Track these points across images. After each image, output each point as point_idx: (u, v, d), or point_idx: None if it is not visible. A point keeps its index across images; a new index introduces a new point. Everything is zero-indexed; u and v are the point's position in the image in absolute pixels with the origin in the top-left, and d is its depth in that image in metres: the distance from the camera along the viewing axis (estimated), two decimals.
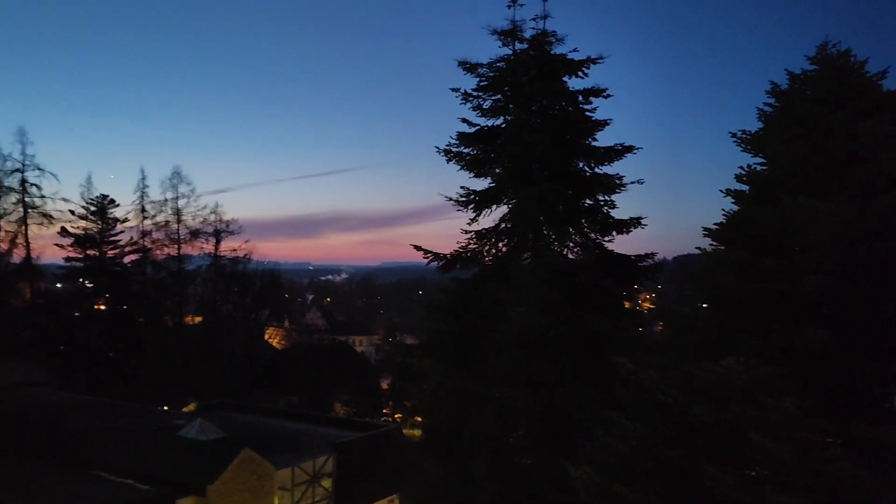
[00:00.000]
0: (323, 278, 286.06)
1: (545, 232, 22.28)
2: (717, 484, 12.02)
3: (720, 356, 12.52)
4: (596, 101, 22.78)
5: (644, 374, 13.91)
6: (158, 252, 59.75)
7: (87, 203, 57.58)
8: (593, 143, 22.64)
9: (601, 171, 22.48)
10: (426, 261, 23.57)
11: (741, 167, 15.03)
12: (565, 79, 22.88)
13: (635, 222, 22.04)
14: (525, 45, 22.98)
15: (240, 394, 54.01)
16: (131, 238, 59.20)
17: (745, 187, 15.04)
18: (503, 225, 22.96)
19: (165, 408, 46.18)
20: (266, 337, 79.10)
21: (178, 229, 59.74)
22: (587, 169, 22.64)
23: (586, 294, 20.46)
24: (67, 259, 57.02)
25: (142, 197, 59.81)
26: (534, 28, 22.92)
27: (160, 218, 59.85)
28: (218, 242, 61.21)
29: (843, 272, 12.75)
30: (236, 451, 24.46)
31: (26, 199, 55.69)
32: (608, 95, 22.74)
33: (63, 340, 54.58)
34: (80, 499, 22.50)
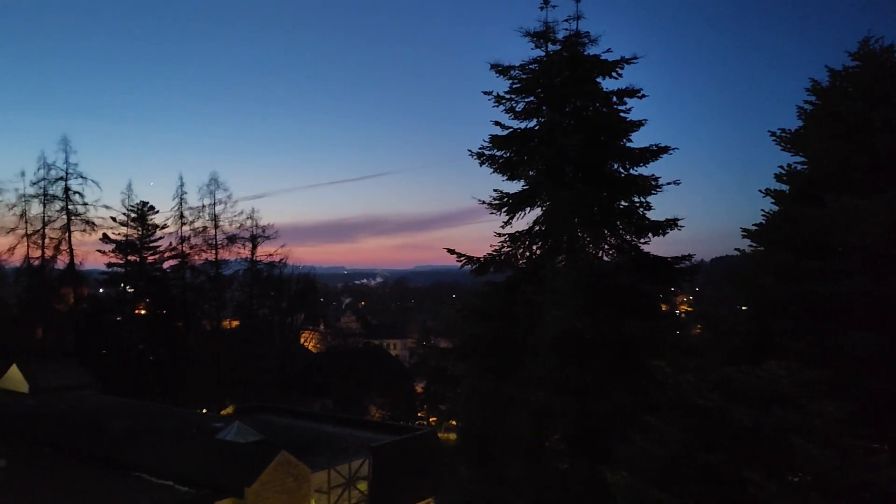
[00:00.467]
0: (357, 282, 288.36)
1: (580, 234, 22.08)
2: (760, 490, 11.78)
3: (761, 360, 12.27)
4: (630, 102, 22.54)
5: (682, 378, 13.70)
6: (196, 257, 60.98)
7: (127, 210, 59.08)
8: (628, 144, 22.39)
9: (636, 173, 22.20)
10: (459, 264, 23.52)
11: (781, 166, 14.72)
12: (599, 80, 22.67)
13: (672, 224, 21.73)
14: (558, 47, 22.84)
15: (276, 397, 54.75)
16: (170, 244, 60.58)
17: (785, 187, 14.72)
18: (537, 227, 22.83)
19: (204, 410, 47.04)
20: (301, 340, 80.00)
21: (215, 235, 60.87)
22: (622, 170, 22.39)
23: (622, 297, 20.23)
24: (109, 265, 58.52)
25: (180, 203, 61.07)
26: (566, 29, 22.75)
27: (198, 224, 61.07)
28: (254, 247, 62.21)
29: (889, 273, 12.41)
30: (273, 453, 24.77)
31: (69, 207, 57.37)
32: (643, 96, 22.50)
33: (105, 344, 55.91)
34: (123, 500, 22.98)
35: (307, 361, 73.22)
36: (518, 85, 22.98)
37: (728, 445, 12.88)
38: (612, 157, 22.30)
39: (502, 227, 23.17)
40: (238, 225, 61.74)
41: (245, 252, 62.11)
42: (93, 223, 58.18)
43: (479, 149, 23.14)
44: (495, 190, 23.06)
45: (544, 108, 23.07)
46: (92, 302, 60.40)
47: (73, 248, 57.66)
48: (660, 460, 13.57)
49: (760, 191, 14.73)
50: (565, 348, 19.46)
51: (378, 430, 36.00)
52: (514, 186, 23.34)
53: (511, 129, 23.19)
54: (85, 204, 58.02)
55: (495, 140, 23.05)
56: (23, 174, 57.69)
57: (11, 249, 56.19)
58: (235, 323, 67.54)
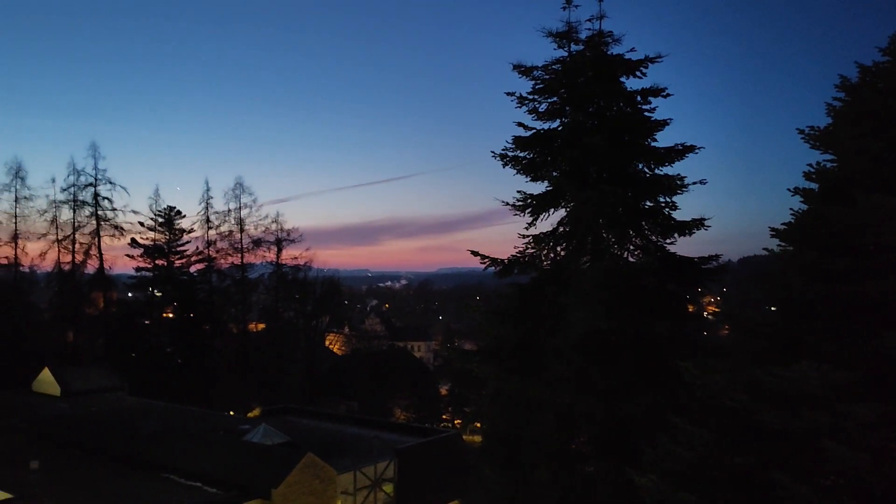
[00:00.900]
0: (381, 285, 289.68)
1: (605, 235, 21.95)
2: (789, 493, 11.61)
3: (790, 361, 12.10)
4: (655, 101, 22.36)
5: (710, 380, 13.55)
6: (223, 261, 61.67)
7: (155, 215, 59.89)
8: (653, 144, 22.21)
9: (662, 172, 22.01)
10: (483, 266, 23.48)
11: (810, 164, 14.49)
12: (623, 79, 22.53)
13: (698, 224, 21.50)
14: (581, 47, 22.74)
15: (302, 399, 55.17)
16: (197, 248, 61.32)
17: (814, 185, 14.48)
18: (561, 229, 22.73)
19: (231, 413, 47.49)
20: (326, 343, 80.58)
21: (241, 239, 61.53)
22: (647, 170, 22.22)
23: (648, 298, 20.08)
24: (137, 269, 59.36)
25: (206, 208, 61.80)
26: (589, 29, 22.64)
27: (224, 228, 61.75)
28: (279, 251, 62.69)
29: None
30: (300, 455, 24.96)
31: (99, 212, 58.36)
32: (668, 95, 22.32)
33: (134, 347, 56.77)
34: (153, 501, 23.30)
35: (332, 364, 73.66)
36: (541, 85, 22.92)
37: (757, 447, 12.72)
38: (636, 157, 22.14)
39: (526, 228, 23.11)
40: (263, 229, 62.38)
41: (270, 255, 62.70)
42: (121, 228, 59.14)
43: (503, 150, 23.11)
44: (519, 191, 23.01)
45: (567, 108, 22.98)
46: (121, 306, 61.33)
47: (103, 252, 58.67)
48: (688, 462, 13.43)
49: (789, 189, 14.52)
50: (591, 350, 19.36)
51: (403, 432, 36.10)
52: (538, 188, 23.30)
53: (534, 130, 23.13)
54: (114, 209, 59.03)
55: (518, 141, 23.00)
56: (53, 180, 59.04)
57: (43, 255, 57.30)
58: (261, 326, 68.15)
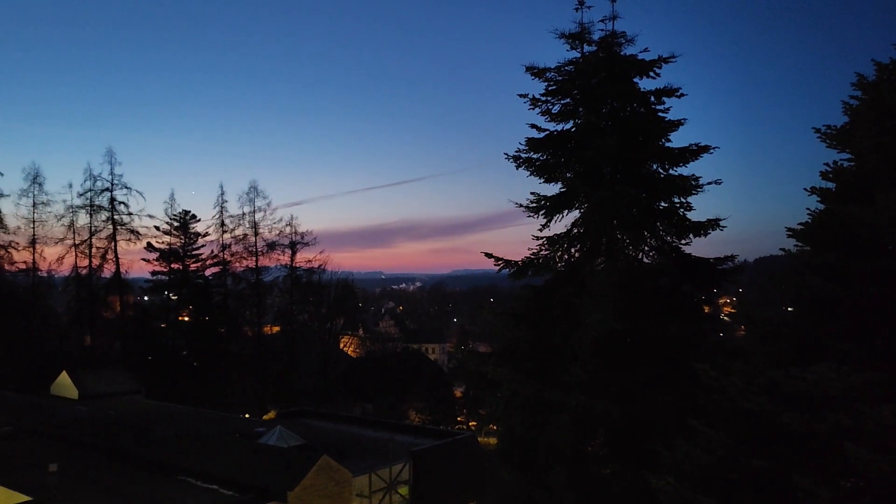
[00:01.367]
0: (395, 287, 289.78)
1: (619, 236, 21.89)
2: (810, 497, 11.46)
3: (809, 362, 11.95)
4: (669, 101, 22.28)
5: (728, 382, 13.42)
6: (237, 264, 61.83)
7: (170, 219, 60.19)
8: (667, 144, 22.11)
9: (676, 173, 21.92)
10: (497, 268, 23.47)
11: (827, 164, 14.34)
12: (636, 80, 22.46)
13: (713, 224, 21.36)
14: (594, 48, 22.69)
15: (317, 401, 55.27)
16: (212, 251, 61.50)
17: (831, 185, 14.32)
18: (575, 230, 22.67)
19: (247, 415, 47.70)
20: (341, 345, 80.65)
21: (255, 242, 61.67)
22: (661, 171, 22.13)
23: (664, 299, 19.98)
24: (153, 273, 59.67)
25: (221, 211, 62.00)
26: (602, 30, 22.61)
27: (238, 231, 61.91)
28: (294, 254, 62.80)
29: None
30: (315, 457, 24.98)
31: (115, 217, 58.78)
32: (681, 94, 22.21)
33: (150, 350, 57.11)
34: (170, 503, 23.41)
35: (347, 366, 73.79)
36: (554, 87, 22.89)
37: (777, 450, 12.57)
38: (651, 158, 22.05)
39: (540, 230, 23.09)
40: (277, 232, 62.48)
41: (285, 259, 62.82)
42: (137, 232, 59.46)
43: (516, 152, 23.11)
44: (532, 193, 23.00)
45: (581, 109, 22.93)
46: (137, 309, 61.78)
47: (119, 256, 59.01)
48: (706, 465, 13.30)
49: (806, 189, 14.39)
50: (606, 351, 19.28)
51: (418, 435, 36.04)
52: (552, 189, 23.26)
53: (547, 132, 23.10)
54: (130, 214, 59.37)
55: (531, 143, 22.97)
56: (70, 186, 59.31)
57: (60, 259, 57.77)
58: (276, 329, 68.35)
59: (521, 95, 23.14)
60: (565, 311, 20.64)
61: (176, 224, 59.98)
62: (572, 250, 22.77)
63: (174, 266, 59.61)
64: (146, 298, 63.60)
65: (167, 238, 59.79)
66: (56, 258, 57.93)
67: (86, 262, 58.04)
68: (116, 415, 36.59)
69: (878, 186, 12.66)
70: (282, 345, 62.50)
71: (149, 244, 59.30)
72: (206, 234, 61.31)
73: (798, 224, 14.32)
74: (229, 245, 61.55)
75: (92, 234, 58.16)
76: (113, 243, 58.63)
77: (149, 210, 53.89)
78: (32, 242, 56.63)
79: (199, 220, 61.14)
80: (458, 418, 66.16)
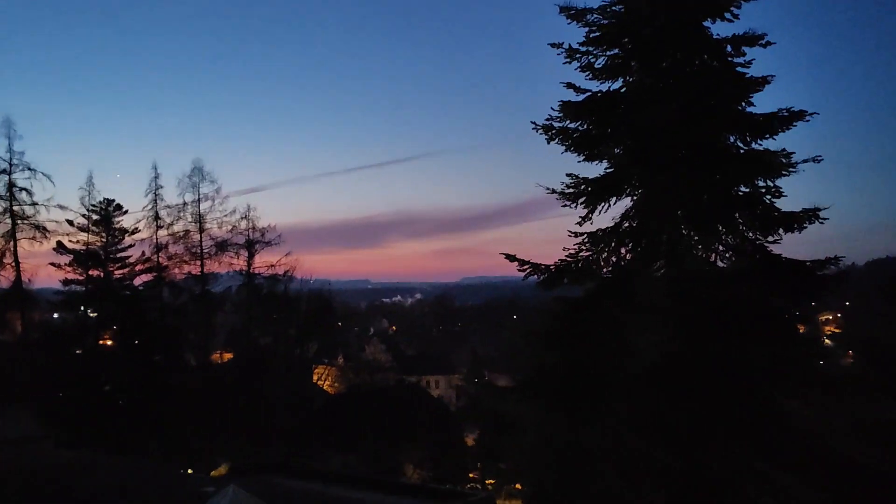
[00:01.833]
0: (386, 300, 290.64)
1: (684, 232, 21.99)
2: None
3: None
4: (751, 52, 22.33)
5: (825, 422, 13.57)
6: (177, 270, 62.12)
7: (88, 211, 60.32)
8: (748, 110, 22.20)
9: (761, 147, 22.00)
10: (522, 274, 23.54)
11: None
12: (707, 24, 22.57)
13: (811, 215, 21.39)
14: None
15: (283, 451, 55.40)
16: (143, 253, 61.77)
17: None
18: (626, 224, 22.78)
19: (191, 470, 47.87)
20: (315, 378, 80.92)
21: (200, 240, 61.90)
22: (741, 144, 22.21)
23: (743, 315, 20.05)
24: (66, 282, 59.76)
25: (155, 201, 62.34)
26: None
27: (178, 227, 62.17)
28: (251, 256, 63.09)
29: None
30: None
31: (14, 208, 58.56)
32: (768, 43, 22.24)
33: (63, 384, 57.17)
34: None
35: (323, 404, 73.94)
36: (597, 34, 23.00)
37: None
38: (726, 128, 22.16)
39: (579, 223, 23.18)
40: (230, 228, 62.67)
41: (240, 263, 63.06)
42: (44, 229, 59.22)
43: (547, 120, 23.20)
44: (569, 174, 23.09)
45: (633, 63, 23.06)
46: (45, 330, 61.92)
47: (20, 260, 58.84)
48: None
49: None
50: (665, 383, 19.38)
51: (417, 496, 36.15)
52: (595, 169, 23.37)
53: (589, 93, 23.20)
54: (34, 204, 59.10)
55: (567, 108, 23.07)
56: None
57: None
58: (229, 355, 68.62)
59: (553, 45, 23.23)
60: (611, 331, 20.73)
61: (95, 217, 60.18)
62: (621, 251, 22.89)
63: (93, 273, 59.80)
64: (56, 316, 63.82)
65: (84, 236, 60.01)
66: None
67: None
68: (16, 468, 36.80)
69: None
70: (237, 376, 62.69)
71: (59, 244, 59.44)
72: (136, 231, 61.57)
73: None
74: (166, 245, 61.89)
75: None
76: (11, 243, 58.57)
77: (60, 199, 54.10)
78: None
79: (127, 213, 61.39)
80: (471, 474, 66.24)
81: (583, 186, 23.00)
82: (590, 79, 23.34)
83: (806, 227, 21.50)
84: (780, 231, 21.63)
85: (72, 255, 59.50)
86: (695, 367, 19.55)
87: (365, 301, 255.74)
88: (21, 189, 58.75)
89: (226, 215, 63.16)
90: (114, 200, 60.78)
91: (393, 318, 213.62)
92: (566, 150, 23.27)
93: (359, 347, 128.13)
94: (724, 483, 18.37)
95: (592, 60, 23.19)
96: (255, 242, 62.99)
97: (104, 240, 60.21)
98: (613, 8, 22.90)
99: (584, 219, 23.16)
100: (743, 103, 22.17)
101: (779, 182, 21.68)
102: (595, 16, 22.91)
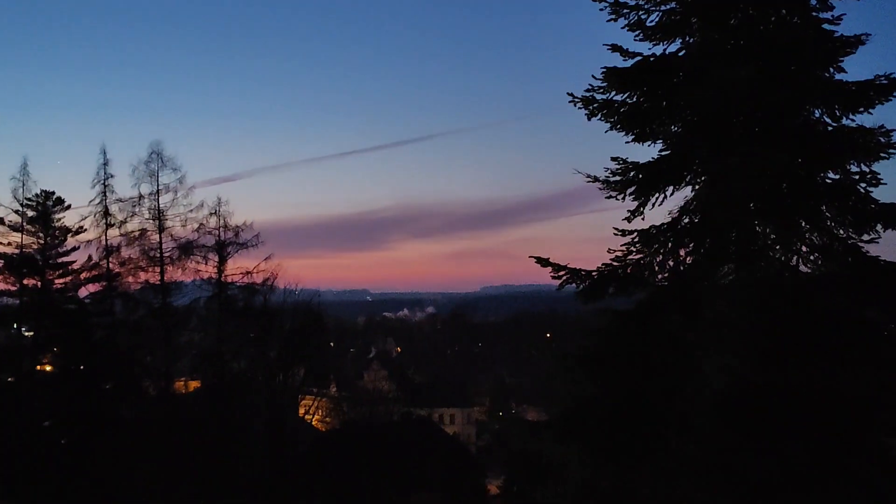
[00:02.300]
0: (389, 314, 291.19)
1: (758, 228, 21.95)
2: None
3: None
4: (841, 6, 22.26)
5: None
6: (132, 279, 62.09)
7: (22, 206, 60.51)
8: (838, 77, 22.13)
9: (853, 124, 21.91)
10: (557, 282, 23.55)
11: None
12: None
13: None
14: None
15: (263, 500, 55.53)
16: (90, 258, 61.83)
17: None
18: (686, 219, 22.77)
19: None
20: (301, 412, 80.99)
21: (160, 242, 61.87)
22: (828, 120, 22.14)
23: (833, 331, 19.99)
24: None
25: (104, 194, 62.35)
26: None
27: (133, 225, 62.11)
28: (222, 261, 62.98)
29: None
30: None
31: None
32: None
33: None
34: None
35: (312, 444, 74.10)
36: None
37: None
38: (810, 99, 22.09)
39: (627, 219, 23.19)
40: (196, 226, 62.58)
41: (208, 269, 63.03)
42: None
43: (587, 91, 23.16)
44: (614, 158, 23.08)
45: (693, 20, 23.03)
46: None
47: None
48: None
49: None
50: (737, 417, 19.34)
51: None
52: (647, 152, 23.35)
53: (638, 58, 23.16)
54: None
55: (613, 75, 23.04)
56: None
57: None
58: (195, 384, 68.69)
59: None
60: (669, 352, 20.73)
61: (31, 214, 60.45)
62: (680, 252, 22.87)
63: (28, 282, 60.08)
64: None
65: (17, 237, 60.25)
66: None
67: None
68: None
69: None
70: (205, 409, 62.78)
71: None
72: (81, 231, 61.67)
73: None
74: (118, 247, 61.91)
75: None
76: None
77: None
78: None
79: (70, 208, 61.54)
80: None
81: (632, 173, 22.98)
82: (640, 39, 23.34)
83: None
84: (878, 227, 21.53)
85: (1, 261, 59.85)
86: (774, 398, 19.47)
87: (363, 316, 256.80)
88: None
89: (191, 211, 63.04)
90: (53, 193, 60.95)
91: (398, 336, 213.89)
92: (611, 129, 23.27)
93: (356, 373, 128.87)
94: None
95: (643, 17, 23.20)
96: (227, 244, 62.92)
97: (42, 241, 60.42)
98: None
99: (634, 213, 23.19)
100: (831, 69, 22.10)
101: (875, 167, 21.60)
102: None
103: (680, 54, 23.19)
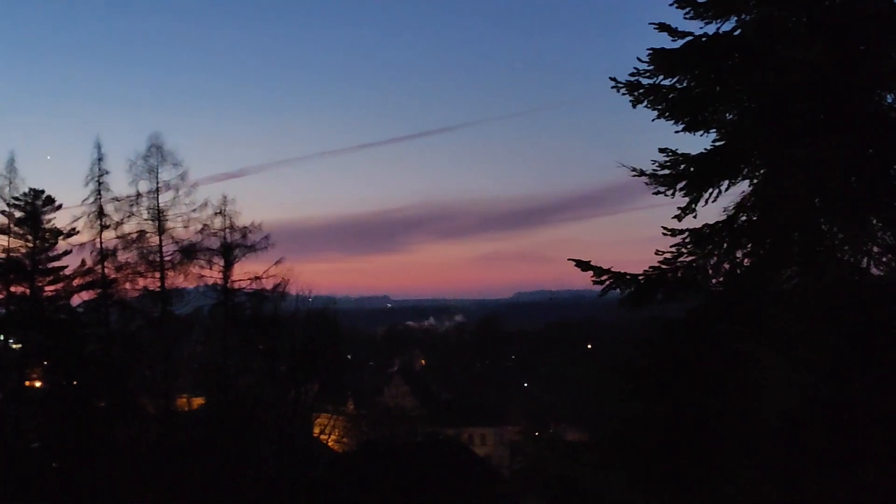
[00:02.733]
0: (413, 323, 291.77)
1: (824, 227, 21.80)
2: None
3: None
4: None
5: None
6: (129, 285, 62.43)
7: (9, 206, 60.95)
8: None
9: None
10: (598, 287, 23.46)
11: None
12: None
13: None
14: None
15: None
16: (83, 263, 62.14)
17: None
18: (742, 217, 22.63)
19: None
20: (316, 431, 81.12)
21: (160, 245, 62.11)
22: None
23: None
24: None
25: (98, 192, 62.69)
26: None
27: (130, 227, 62.48)
28: (228, 266, 63.24)
29: None
30: None
31: None
32: None
33: None
34: None
35: (327, 467, 74.22)
36: None
37: None
38: (883, 84, 21.90)
39: (677, 217, 23.09)
40: (200, 227, 62.87)
41: (213, 274, 63.31)
42: None
43: (632, 75, 23.08)
44: (663, 150, 22.95)
45: None
46: None
47: None
48: None
49: None
50: (808, 440, 19.16)
51: None
52: (700, 142, 23.21)
53: (690, 38, 23.04)
54: None
55: (660, 58, 22.93)
56: None
57: None
58: (199, 401, 68.91)
59: None
60: (727, 365, 20.57)
61: (19, 215, 60.88)
62: (737, 254, 22.72)
63: (16, 289, 60.48)
64: None
65: (3, 240, 60.69)
66: None
67: None
68: None
69: None
70: (209, 429, 62.98)
71: None
72: (73, 233, 62.05)
73: None
74: (114, 251, 62.26)
75: None
76: None
77: None
78: None
79: (61, 208, 61.95)
80: None
81: (682, 166, 22.86)
82: (691, 17, 23.19)
83: None
84: None
85: None
86: (849, 419, 19.29)
87: (383, 325, 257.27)
88: None
89: (194, 210, 63.34)
90: (43, 192, 61.35)
91: (422, 348, 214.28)
92: (659, 117, 23.16)
93: (375, 389, 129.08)
94: None
95: None
96: (233, 247, 63.14)
97: (30, 245, 60.80)
98: None
99: (685, 210, 23.07)
100: None
101: None
102: None
103: (735, 33, 23.03)
